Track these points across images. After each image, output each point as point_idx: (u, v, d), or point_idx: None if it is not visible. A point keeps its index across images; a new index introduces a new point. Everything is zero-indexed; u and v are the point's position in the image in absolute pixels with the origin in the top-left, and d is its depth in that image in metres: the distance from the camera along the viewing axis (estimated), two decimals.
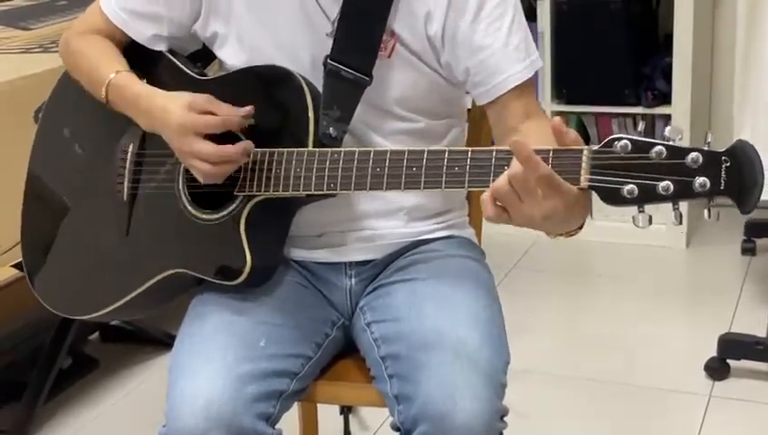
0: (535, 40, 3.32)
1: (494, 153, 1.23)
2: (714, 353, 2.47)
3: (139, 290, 1.48)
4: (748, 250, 3.17)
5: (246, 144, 1.37)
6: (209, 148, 1.35)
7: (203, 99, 1.38)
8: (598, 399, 2.43)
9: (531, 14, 3.37)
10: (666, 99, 3.28)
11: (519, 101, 1.43)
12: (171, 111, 1.38)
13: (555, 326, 2.88)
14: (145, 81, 1.48)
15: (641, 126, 1.20)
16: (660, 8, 3.42)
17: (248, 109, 1.37)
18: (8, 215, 1.68)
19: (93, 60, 1.51)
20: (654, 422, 2.32)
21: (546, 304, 3.01)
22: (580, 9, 3.31)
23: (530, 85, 1.44)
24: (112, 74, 1.47)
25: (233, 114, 1.37)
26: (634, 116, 3.37)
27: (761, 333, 2.48)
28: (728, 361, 2.47)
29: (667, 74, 3.26)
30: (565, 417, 2.38)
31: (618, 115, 3.38)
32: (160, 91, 1.44)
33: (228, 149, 1.36)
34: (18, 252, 1.67)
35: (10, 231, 1.67)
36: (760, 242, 3.18)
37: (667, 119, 3.30)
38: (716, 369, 2.47)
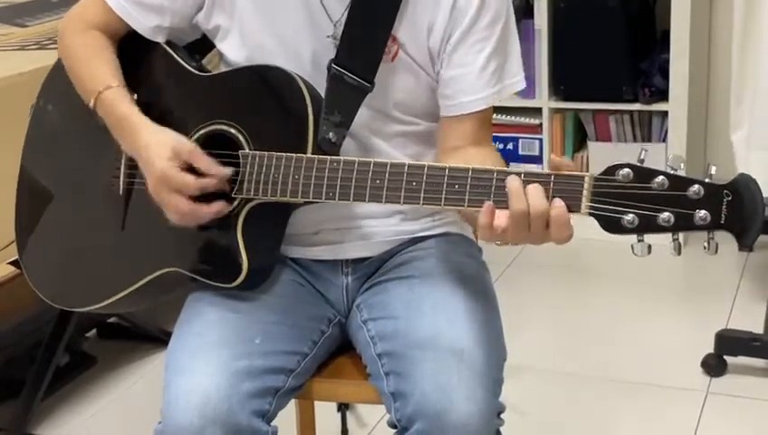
0: (533, 37, 3.36)
1: (495, 173, 1.23)
2: (711, 350, 2.48)
3: (135, 286, 1.48)
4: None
5: (220, 207, 1.37)
6: (183, 205, 1.36)
7: (186, 151, 1.37)
8: (595, 395, 2.44)
9: (528, 12, 3.37)
10: (663, 96, 3.28)
11: (474, 124, 1.45)
12: (153, 156, 1.37)
13: (552, 323, 2.89)
14: (135, 98, 1.47)
15: (643, 154, 1.19)
16: (658, 5, 3.42)
17: (229, 171, 1.37)
18: (4, 212, 1.67)
19: (87, 65, 1.50)
20: (651, 419, 2.32)
21: (543, 301, 3.02)
22: (578, 6, 3.31)
23: (490, 111, 1.47)
24: (102, 88, 1.46)
25: (212, 173, 1.36)
26: (631, 113, 3.38)
27: (758, 330, 2.48)
28: (725, 357, 2.47)
29: (665, 71, 3.26)
30: (562, 413, 2.38)
31: (615, 112, 3.38)
32: (145, 122, 1.42)
33: (201, 210, 1.36)
34: (14, 250, 1.67)
35: (6, 229, 1.67)
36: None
37: (664, 115, 3.31)
38: (713, 365, 2.47)
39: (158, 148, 1.38)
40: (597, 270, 3.23)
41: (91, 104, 1.47)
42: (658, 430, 2.29)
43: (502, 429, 1.38)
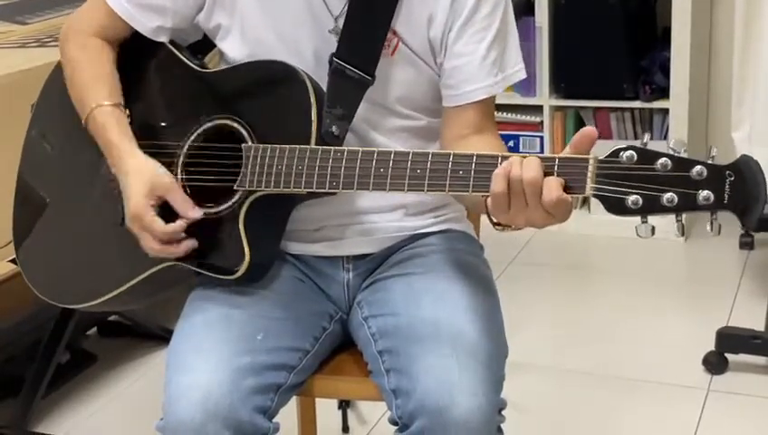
0: (533, 34, 3.37)
1: (499, 159, 1.23)
2: (712, 347, 2.48)
3: (135, 281, 1.48)
4: (746, 244, 3.18)
5: (189, 244, 1.39)
6: (153, 245, 1.39)
7: (163, 187, 1.39)
8: (596, 393, 2.44)
9: (528, 9, 3.37)
10: (664, 93, 3.29)
11: (477, 114, 1.46)
12: (131, 190, 1.39)
13: (553, 320, 2.89)
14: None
15: (646, 138, 1.20)
16: (658, 2, 3.42)
17: (199, 214, 1.39)
18: (6, 210, 1.67)
19: (83, 79, 1.50)
20: (652, 416, 2.32)
21: (544, 298, 3.02)
22: (578, 3, 3.31)
23: (492, 100, 1.48)
24: (94, 104, 1.47)
25: (185, 211, 1.38)
26: (632, 110, 3.38)
27: (759, 327, 2.48)
28: (726, 355, 2.47)
29: (666, 69, 3.26)
30: (563, 410, 2.38)
31: (616, 109, 3.38)
32: (129, 151, 1.43)
33: (169, 250, 1.39)
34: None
35: (7, 227, 1.67)
36: (758, 236, 3.18)
37: (665, 113, 3.31)
38: (714, 363, 2.47)
39: (137, 182, 1.40)
40: (598, 268, 3.23)
41: (83, 119, 1.48)
42: (659, 427, 2.29)
43: (503, 425, 1.39)
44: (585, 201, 3.40)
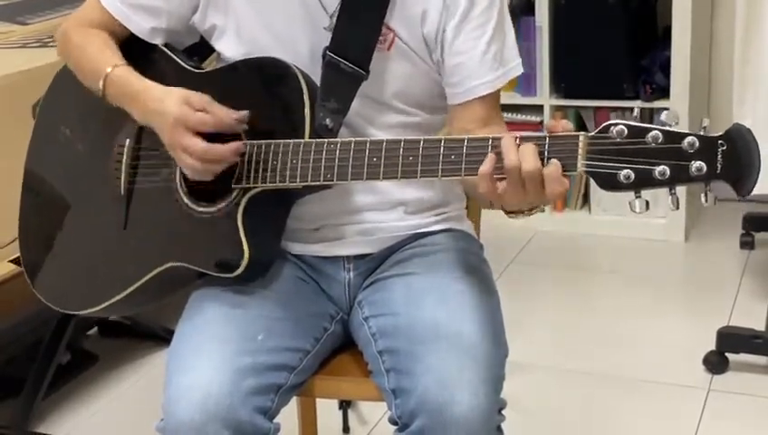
0: (533, 34, 3.36)
1: (490, 141, 1.24)
2: (712, 347, 2.48)
3: (137, 284, 1.48)
4: (746, 244, 3.17)
5: (237, 145, 1.36)
6: (199, 145, 1.35)
7: (200, 97, 1.38)
8: (596, 392, 2.44)
9: (529, 8, 3.37)
10: (664, 93, 3.28)
11: (483, 108, 1.46)
12: (167, 103, 1.38)
13: (554, 320, 2.88)
14: (142, 75, 1.48)
15: (636, 111, 1.21)
16: (659, 2, 3.42)
17: (244, 113, 1.37)
18: (6, 210, 1.68)
19: (91, 53, 1.51)
20: (653, 416, 2.32)
21: (545, 298, 3.02)
22: (579, 3, 3.31)
23: (497, 93, 1.48)
24: (110, 68, 1.47)
25: (227, 117, 1.37)
26: (632, 110, 3.37)
27: (759, 327, 2.48)
28: (727, 354, 2.47)
29: (666, 68, 3.26)
30: (563, 410, 2.38)
31: (616, 109, 3.38)
32: (158, 85, 1.44)
33: (218, 148, 1.36)
34: (17, 247, 1.67)
35: (8, 226, 1.67)
36: (758, 236, 3.18)
37: None
38: (715, 362, 2.47)
39: (171, 97, 1.38)
40: (599, 268, 3.23)
41: (100, 85, 1.47)
42: (660, 427, 2.29)
43: (503, 425, 1.39)
44: (585, 201, 3.40)
